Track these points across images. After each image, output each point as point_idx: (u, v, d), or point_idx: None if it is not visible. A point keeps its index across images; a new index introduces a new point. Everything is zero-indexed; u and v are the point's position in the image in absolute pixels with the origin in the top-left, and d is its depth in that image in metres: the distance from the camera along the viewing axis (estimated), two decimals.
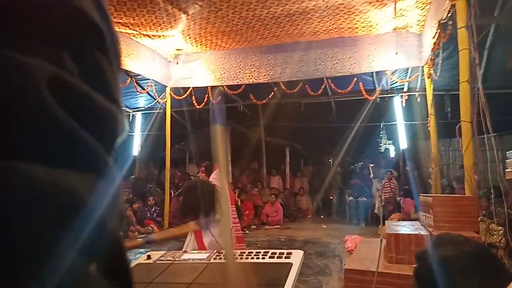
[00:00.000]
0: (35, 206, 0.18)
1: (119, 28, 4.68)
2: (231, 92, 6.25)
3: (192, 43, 5.61)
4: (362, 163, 8.94)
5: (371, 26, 5.00)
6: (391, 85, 6.72)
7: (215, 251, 1.37)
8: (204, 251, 1.66)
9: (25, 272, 0.17)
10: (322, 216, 8.72)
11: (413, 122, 7.37)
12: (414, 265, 1.10)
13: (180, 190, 3.29)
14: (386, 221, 3.42)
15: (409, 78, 5.88)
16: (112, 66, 0.25)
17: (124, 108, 0.26)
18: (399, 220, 5.21)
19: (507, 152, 3.26)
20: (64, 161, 0.19)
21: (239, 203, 7.78)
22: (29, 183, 0.18)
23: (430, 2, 4.24)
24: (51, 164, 0.19)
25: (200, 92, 6.21)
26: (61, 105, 0.20)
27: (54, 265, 0.18)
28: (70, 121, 0.20)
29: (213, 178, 3.25)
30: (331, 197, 8.77)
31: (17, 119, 0.18)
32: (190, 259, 1.37)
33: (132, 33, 5.06)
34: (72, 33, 0.22)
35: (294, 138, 9.54)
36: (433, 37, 3.96)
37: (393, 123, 7.90)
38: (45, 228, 0.18)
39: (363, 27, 5.03)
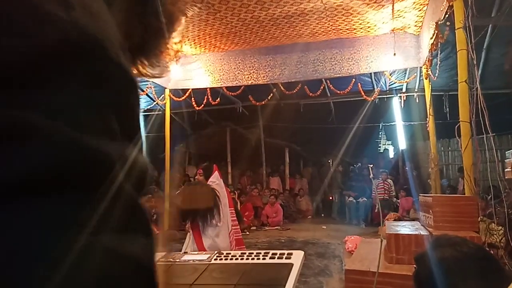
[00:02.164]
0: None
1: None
2: (230, 93, 6.26)
3: (191, 45, 5.62)
4: (360, 164, 8.95)
5: (369, 27, 5.01)
6: (389, 85, 6.75)
7: (216, 252, 1.37)
8: (204, 252, 1.66)
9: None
10: (322, 215, 8.74)
11: (412, 123, 7.40)
12: (413, 267, 1.10)
13: (178, 192, 3.26)
14: (385, 221, 3.43)
15: (408, 78, 5.89)
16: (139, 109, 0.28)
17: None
18: (394, 220, 5.22)
19: (506, 152, 3.27)
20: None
21: (239, 204, 7.79)
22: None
23: (427, 3, 4.25)
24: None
25: (199, 93, 6.21)
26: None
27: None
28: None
29: (211, 181, 3.23)
30: (331, 198, 8.77)
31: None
32: (190, 260, 1.37)
33: None
34: (112, 84, 0.24)
35: (294, 139, 9.55)
36: (431, 38, 3.98)
37: (392, 123, 7.93)
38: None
39: (361, 28, 5.05)
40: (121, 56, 0.25)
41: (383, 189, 7.18)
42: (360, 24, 4.91)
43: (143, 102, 7.45)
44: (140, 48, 0.35)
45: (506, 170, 3.15)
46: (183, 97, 6.22)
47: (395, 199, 7.31)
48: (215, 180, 3.18)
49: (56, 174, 0.20)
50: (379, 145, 11.72)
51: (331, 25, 4.91)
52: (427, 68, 4.80)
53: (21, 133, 0.19)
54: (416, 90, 6.39)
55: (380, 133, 11.08)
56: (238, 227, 3.22)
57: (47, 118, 0.20)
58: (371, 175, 2.98)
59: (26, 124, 0.19)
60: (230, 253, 1.32)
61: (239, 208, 7.68)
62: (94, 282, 0.20)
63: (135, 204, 0.24)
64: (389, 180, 7.51)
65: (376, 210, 6.92)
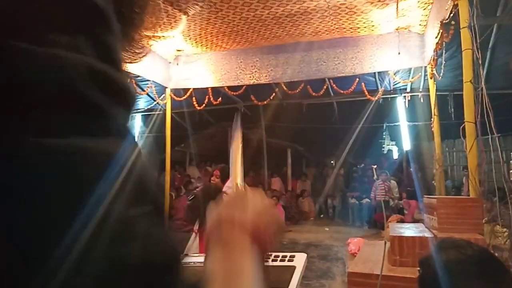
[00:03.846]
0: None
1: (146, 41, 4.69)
2: (232, 93, 6.23)
3: (192, 44, 5.59)
4: (363, 164, 8.91)
5: (373, 26, 4.97)
6: (393, 85, 6.69)
7: None
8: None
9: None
10: (322, 215, 8.70)
11: (416, 123, 7.34)
12: (418, 270, 1.09)
13: (194, 195, 3.27)
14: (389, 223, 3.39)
15: (412, 78, 5.85)
16: (119, 44, 0.28)
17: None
18: (397, 222, 5.17)
19: None
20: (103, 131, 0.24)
21: None
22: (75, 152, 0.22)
23: (432, 2, 4.21)
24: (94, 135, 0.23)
25: (201, 93, 6.19)
26: (103, 91, 0.24)
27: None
28: (112, 103, 0.25)
29: (227, 187, 3.23)
30: (334, 199, 8.73)
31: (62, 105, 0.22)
32: (191, 262, 1.34)
33: None
34: (83, 19, 0.25)
35: (296, 139, 9.52)
36: (436, 37, 3.94)
37: (396, 124, 7.87)
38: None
39: (365, 27, 5.00)
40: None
41: (383, 190, 7.14)
42: (364, 23, 4.87)
43: (144, 102, 7.45)
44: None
45: (511, 171, 3.10)
46: (184, 97, 6.20)
47: (396, 200, 7.25)
48: (231, 186, 3.20)
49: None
50: (383, 145, 11.67)
51: (335, 24, 4.87)
52: (432, 67, 4.76)
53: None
54: (420, 90, 6.34)
55: (384, 134, 11.02)
56: None
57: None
58: (375, 176, 2.95)
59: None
60: None
61: None
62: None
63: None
64: (392, 181, 7.47)
65: (377, 212, 6.89)
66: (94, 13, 0.25)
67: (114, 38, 0.27)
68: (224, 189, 3.16)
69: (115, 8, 0.27)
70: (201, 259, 1.32)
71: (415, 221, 5.63)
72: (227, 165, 3.43)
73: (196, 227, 3.01)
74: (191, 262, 1.32)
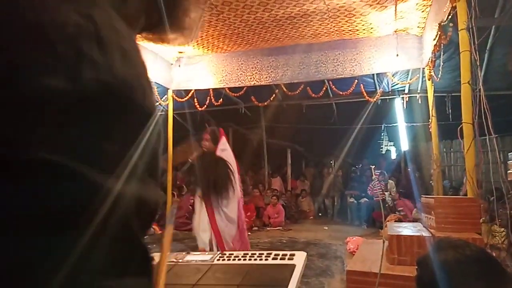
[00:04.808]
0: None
1: None
2: (233, 94, 6.27)
3: (194, 46, 5.63)
4: (361, 165, 8.94)
5: (372, 28, 5.01)
6: (392, 87, 6.73)
7: (218, 252, 1.38)
8: (206, 253, 1.67)
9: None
10: (320, 214, 8.71)
11: (414, 124, 7.38)
12: (415, 269, 1.10)
13: (189, 165, 3.22)
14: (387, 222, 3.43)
15: (410, 79, 5.88)
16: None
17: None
18: (395, 221, 5.21)
19: (509, 154, 3.26)
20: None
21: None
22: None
23: (430, 4, 4.25)
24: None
25: (202, 94, 6.23)
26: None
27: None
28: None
29: (221, 149, 3.13)
30: (332, 199, 8.76)
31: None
32: (193, 260, 1.38)
33: None
34: (136, 126, 0.26)
35: (296, 140, 9.55)
36: (434, 39, 3.97)
37: (394, 124, 7.91)
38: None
39: (364, 29, 5.05)
40: (146, 96, 0.26)
41: (380, 190, 7.17)
42: (363, 25, 4.91)
43: None
44: (160, 20, 0.37)
45: (508, 171, 3.14)
46: (186, 98, 6.24)
47: (394, 200, 7.28)
48: (224, 148, 3.12)
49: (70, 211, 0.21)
50: (381, 146, 11.70)
51: (334, 26, 4.91)
52: (430, 69, 4.80)
53: (47, 172, 0.20)
54: (418, 91, 6.38)
55: (382, 134, 11.06)
56: (242, 193, 3.25)
57: (74, 157, 0.21)
58: (373, 176, 2.99)
59: (52, 162, 0.21)
60: (233, 254, 1.33)
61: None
62: None
63: (137, 243, 0.25)
64: (390, 181, 7.50)
65: (375, 210, 6.92)
66: (146, 119, 0.27)
67: (159, 144, 0.29)
68: (218, 152, 3.10)
69: None
70: (202, 257, 1.37)
71: (412, 220, 5.66)
72: (216, 127, 3.35)
73: (198, 193, 3.01)
74: (193, 260, 1.36)
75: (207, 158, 3.02)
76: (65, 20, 0.23)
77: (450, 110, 6.17)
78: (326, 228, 7.10)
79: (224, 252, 1.37)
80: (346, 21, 4.77)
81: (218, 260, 1.32)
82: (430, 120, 5.04)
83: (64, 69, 0.21)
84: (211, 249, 2.92)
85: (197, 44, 5.57)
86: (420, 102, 6.12)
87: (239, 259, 1.28)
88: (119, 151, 0.24)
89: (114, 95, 0.24)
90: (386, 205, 6.80)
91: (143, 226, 0.26)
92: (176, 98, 6.25)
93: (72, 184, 0.21)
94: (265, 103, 6.56)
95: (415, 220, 5.65)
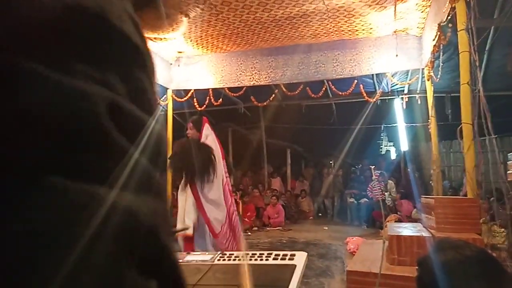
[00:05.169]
0: (98, 224, 0.19)
1: None
2: (232, 94, 6.27)
3: (193, 46, 5.63)
4: (361, 165, 8.95)
5: (371, 28, 5.02)
6: (391, 87, 6.74)
7: (219, 252, 1.38)
8: (207, 252, 1.67)
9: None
10: (320, 214, 8.72)
11: (413, 124, 7.39)
12: (416, 269, 1.10)
13: (173, 152, 3.22)
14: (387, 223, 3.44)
15: (410, 80, 5.89)
16: (152, 83, 0.26)
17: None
18: (395, 221, 5.22)
19: (509, 154, 3.26)
20: (122, 181, 0.21)
21: (241, 205, 7.79)
22: (93, 202, 0.19)
23: (430, 5, 4.25)
24: (110, 185, 0.20)
25: (202, 94, 6.23)
26: (119, 128, 0.21)
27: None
28: (127, 144, 0.22)
29: (205, 134, 3.15)
30: (332, 199, 8.77)
31: (81, 142, 0.20)
32: (193, 260, 1.38)
33: None
34: (119, 55, 0.23)
35: (295, 140, 9.55)
36: (433, 40, 3.98)
37: (394, 125, 7.92)
38: (107, 245, 0.19)
39: (363, 29, 5.05)
40: (124, 23, 0.24)
41: (380, 190, 7.18)
42: (362, 25, 4.91)
43: None
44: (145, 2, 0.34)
45: (508, 172, 3.14)
46: (185, 98, 6.24)
47: (390, 200, 7.29)
48: (208, 133, 3.14)
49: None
50: (381, 146, 11.72)
51: (333, 27, 4.91)
52: (429, 69, 4.80)
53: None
54: (418, 91, 6.39)
55: (381, 135, 11.08)
56: (228, 178, 3.25)
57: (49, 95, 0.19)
58: (373, 176, 2.99)
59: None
60: (233, 254, 1.33)
61: (241, 209, 7.70)
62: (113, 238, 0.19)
63: (150, 174, 0.23)
64: (390, 181, 7.51)
65: (375, 209, 6.93)
66: (129, 49, 0.24)
67: (148, 77, 0.26)
68: (202, 139, 3.12)
69: None
70: (202, 257, 1.36)
71: (412, 220, 5.67)
72: (199, 116, 3.37)
73: (184, 181, 3.03)
74: (193, 260, 1.36)
75: (189, 145, 3.06)
76: None
77: (449, 111, 6.18)
78: (326, 228, 7.10)
79: (225, 252, 1.37)
80: (346, 22, 4.77)
81: (219, 260, 1.32)
82: (429, 120, 5.04)
83: None
84: (195, 230, 2.93)
85: (197, 44, 5.58)
86: (419, 102, 6.13)
87: (239, 259, 1.28)
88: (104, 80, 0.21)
89: (84, 14, 0.21)
90: (386, 205, 6.81)
91: (153, 160, 0.24)
92: (176, 98, 6.25)
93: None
94: (265, 103, 6.56)
95: (414, 220, 5.66)
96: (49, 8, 0.20)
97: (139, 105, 0.24)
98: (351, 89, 5.91)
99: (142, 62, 0.25)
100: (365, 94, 5.91)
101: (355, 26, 4.93)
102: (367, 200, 7.52)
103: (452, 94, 6.05)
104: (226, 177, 3.22)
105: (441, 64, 4.47)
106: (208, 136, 3.13)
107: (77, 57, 0.21)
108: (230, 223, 3.11)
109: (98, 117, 0.20)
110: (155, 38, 5.19)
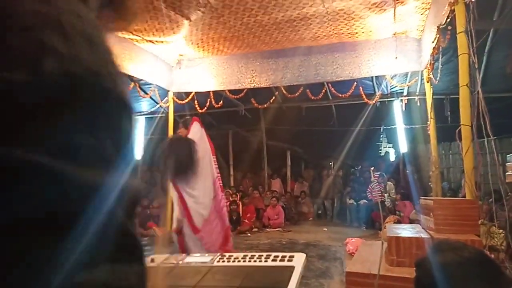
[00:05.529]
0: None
1: (122, 34, 4.73)
2: (233, 96, 6.29)
3: (194, 49, 5.66)
4: (360, 166, 8.96)
5: (371, 31, 5.04)
6: (391, 89, 6.76)
7: (218, 254, 1.40)
8: (207, 254, 1.69)
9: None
10: (320, 214, 8.70)
11: (413, 126, 7.40)
12: (414, 270, 1.11)
13: (161, 150, 3.22)
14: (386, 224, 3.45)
15: (409, 82, 5.91)
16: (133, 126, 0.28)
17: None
18: (394, 222, 5.22)
19: (507, 156, 3.27)
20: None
21: (241, 206, 7.81)
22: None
23: (429, 8, 4.27)
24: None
25: (202, 96, 6.25)
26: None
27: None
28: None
29: (193, 131, 3.16)
30: (332, 200, 8.77)
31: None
32: (193, 262, 1.40)
33: (135, 39, 5.11)
34: (110, 113, 0.25)
35: (295, 142, 9.56)
36: (433, 42, 3.99)
37: (393, 126, 7.92)
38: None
39: (362, 32, 5.07)
40: (117, 83, 0.26)
41: (379, 192, 7.17)
42: (362, 28, 4.93)
43: (147, 105, 7.50)
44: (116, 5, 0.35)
45: (507, 173, 3.15)
46: (186, 100, 6.26)
47: (393, 201, 7.29)
48: (196, 130, 3.14)
49: (54, 211, 0.20)
50: (380, 148, 11.72)
51: (333, 29, 4.93)
52: (428, 71, 4.82)
53: (22, 171, 0.20)
54: (417, 93, 6.40)
55: (381, 136, 11.07)
56: (219, 175, 3.22)
57: (48, 154, 0.20)
58: (372, 178, 3.00)
59: (27, 162, 0.20)
60: (232, 255, 1.35)
61: (240, 210, 7.70)
62: None
63: (127, 231, 0.25)
64: (389, 182, 7.52)
65: (374, 211, 6.94)
66: (119, 106, 0.25)
67: (132, 128, 0.27)
68: (190, 135, 3.11)
69: None
70: (202, 259, 1.38)
71: (411, 221, 5.68)
72: (190, 117, 3.37)
73: (169, 177, 3.02)
74: (192, 262, 1.37)
75: (171, 141, 3.07)
76: (23, 8, 0.21)
77: (448, 113, 6.19)
78: (326, 229, 7.11)
79: (224, 254, 1.38)
80: (345, 24, 4.79)
81: (218, 262, 1.33)
82: (428, 122, 5.05)
83: (24, 62, 0.20)
84: (178, 227, 2.92)
85: (198, 47, 5.60)
86: (419, 104, 6.14)
87: (238, 261, 1.29)
88: (96, 143, 0.23)
89: (81, 85, 0.22)
90: (385, 206, 6.82)
91: (128, 214, 0.25)
92: (177, 100, 6.27)
93: (50, 183, 0.20)
94: (265, 105, 6.58)
95: (412, 221, 5.67)
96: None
97: (127, 151, 0.26)
98: (350, 91, 5.92)
99: (131, 115, 0.27)
100: (364, 96, 5.93)
101: (355, 29, 4.95)
102: (366, 201, 7.52)
103: (451, 96, 6.06)
104: (217, 173, 3.19)
105: (440, 66, 4.49)
106: (197, 133, 3.12)
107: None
108: (217, 219, 3.06)
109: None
110: (156, 41, 5.22)
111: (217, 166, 3.21)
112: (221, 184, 3.25)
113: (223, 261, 1.33)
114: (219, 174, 3.22)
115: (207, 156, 3.10)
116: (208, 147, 3.15)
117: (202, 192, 2.99)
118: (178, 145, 2.94)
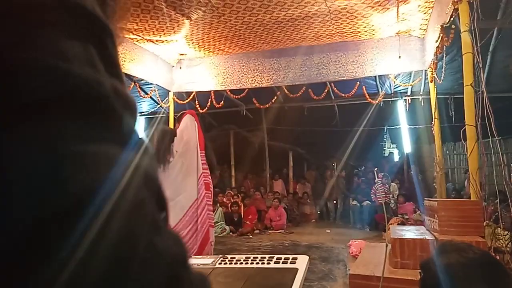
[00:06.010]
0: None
1: (122, 33, 4.72)
2: (234, 96, 6.27)
3: (195, 48, 5.64)
4: (364, 167, 8.92)
5: (374, 30, 5.01)
6: (394, 89, 6.73)
7: (220, 256, 1.37)
8: (208, 256, 1.66)
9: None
10: (321, 214, 8.65)
11: (417, 126, 7.37)
12: (419, 272, 1.10)
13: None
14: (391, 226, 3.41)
15: (413, 82, 5.88)
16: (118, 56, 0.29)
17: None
18: (398, 224, 5.19)
19: None
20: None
21: (243, 207, 7.77)
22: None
23: (432, 6, 4.24)
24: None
25: (203, 96, 6.24)
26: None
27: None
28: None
29: (184, 121, 3.12)
30: (335, 202, 8.73)
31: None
32: (194, 264, 1.37)
33: (136, 38, 5.10)
34: (92, 30, 0.25)
35: (297, 142, 9.54)
36: (436, 41, 3.96)
37: (397, 127, 7.90)
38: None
39: (365, 31, 5.04)
40: (120, 94, 0.26)
41: (383, 193, 7.13)
42: (365, 27, 4.90)
43: (147, 105, 7.50)
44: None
45: None
46: (187, 100, 6.25)
47: (393, 202, 7.25)
48: (187, 121, 3.10)
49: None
50: (384, 148, 11.68)
51: (336, 28, 4.91)
52: (432, 71, 4.79)
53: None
54: (421, 93, 6.37)
55: (384, 137, 11.05)
56: (208, 171, 3.15)
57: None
58: (376, 179, 2.97)
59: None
60: (234, 257, 1.32)
61: (242, 211, 7.67)
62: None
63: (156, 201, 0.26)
64: (393, 184, 7.47)
65: (377, 212, 6.90)
66: (100, 26, 0.26)
67: (116, 51, 0.27)
68: (180, 126, 3.05)
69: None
70: (203, 261, 1.35)
71: (414, 223, 5.64)
72: (182, 111, 3.35)
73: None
74: (194, 264, 1.35)
75: (161, 132, 3.04)
76: None
77: (453, 112, 6.15)
78: (329, 231, 7.06)
79: (226, 256, 1.36)
80: (348, 23, 4.76)
81: (220, 264, 1.31)
82: (432, 122, 5.02)
83: (16, 80, 0.20)
84: None
85: (199, 46, 5.58)
86: (422, 104, 6.11)
87: (241, 263, 1.27)
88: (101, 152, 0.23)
89: (77, 96, 0.22)
90: (390, 208, 6.78)
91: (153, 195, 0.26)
92: (177, 100, 6.26)
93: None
94: (267, 105, 6.56)
95: (416, 222, 5.63)
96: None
97: (118, 78, 0.26)
98: (353, 91, 5.89)
99: (113, 37, 0.27)
100: (367, 96, 5.90)
101: (358, 28, 4.92)
102: (369, 202, 7.48)
103: (455, 96, 6.02)
104: (203, 168, 3.11)
105: (444, 65, 4.46)
106: (188, 124, 3.07)
107: (58, 35, 0.23)
108: (194, 217, 2.95)
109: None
110: (157, 40, 5.21)
111: (204, 161, 3.13)
112: (207, 181, 3.15)
113: (225, 263, 1.31)
114: (207, 171, 3.14)
115: (190, 149, 3.00)
116: (196, 140, 3.05)
117: (179, 184, 2.87)
118: (153, 135, 2.90)
